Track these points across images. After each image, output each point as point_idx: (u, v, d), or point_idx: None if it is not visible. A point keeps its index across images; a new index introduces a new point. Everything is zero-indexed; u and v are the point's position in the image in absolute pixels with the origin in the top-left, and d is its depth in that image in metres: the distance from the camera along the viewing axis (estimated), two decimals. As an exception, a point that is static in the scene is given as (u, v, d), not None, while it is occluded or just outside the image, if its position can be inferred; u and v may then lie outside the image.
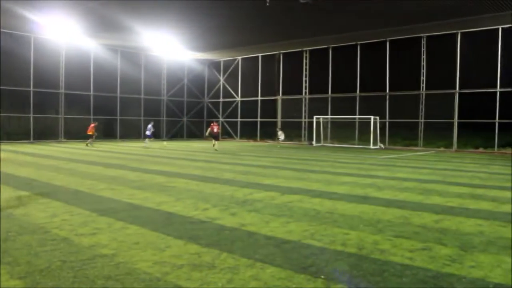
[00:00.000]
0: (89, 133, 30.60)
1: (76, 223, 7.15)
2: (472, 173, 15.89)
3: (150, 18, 27.28)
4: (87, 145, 29.86)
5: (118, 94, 39.33)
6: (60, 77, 35.36)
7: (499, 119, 28.87)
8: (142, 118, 41.31)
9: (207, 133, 29.79)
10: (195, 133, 46.33)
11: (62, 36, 33.52)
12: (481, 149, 29.85)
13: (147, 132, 31.31)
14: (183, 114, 45.49)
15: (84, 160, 19.20)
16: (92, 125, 31.11)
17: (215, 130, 28.00)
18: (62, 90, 35.51)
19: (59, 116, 35.58)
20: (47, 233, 6.48)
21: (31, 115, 33.82)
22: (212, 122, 30.62)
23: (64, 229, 6.74)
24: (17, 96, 33.42)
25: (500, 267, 5.17)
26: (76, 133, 36.85)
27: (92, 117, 37.51)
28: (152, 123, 31.65)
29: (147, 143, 31.03)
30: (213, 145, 27.58)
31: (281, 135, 34.23)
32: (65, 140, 35.35)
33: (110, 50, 38.18)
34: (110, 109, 38.99)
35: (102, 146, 30.64)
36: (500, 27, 28.41)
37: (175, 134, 44.40)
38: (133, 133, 41.01)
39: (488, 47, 29.26)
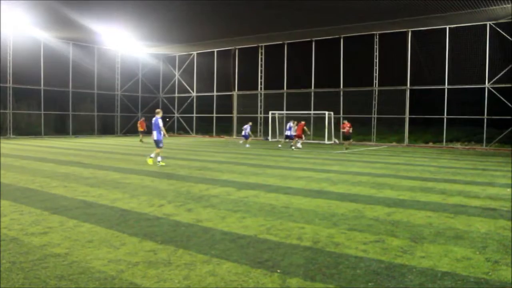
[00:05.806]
0: (141, 129, 32.21)
1: (26, 222, 6.92)
2: (423, 167, 16.46)
3: (103, 10, 26.57)
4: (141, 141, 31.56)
5: (70, 89, 38.16)
6: (7, 70, 33.95)
7: (447, 115, 30.03)
8: (95, 113, 40.37)
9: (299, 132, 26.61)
10: (150, 129, 45.57)
11: (9, 27, 32.14)
12: (430, 144, 30.94)
13: (243, 132, 29.17)
14: (138, 109, 44.68)
15: (35, 157, 18.56)
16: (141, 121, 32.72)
17: (346, 129, 26.04)
18: (9, 84, 34.11)
19: (7, 111, 34.19)
20: (-5, 233, 6.25)
21: (-23, 110, 32.34)
22: (344, 121, 27.15)
23: (13, 229, 6.51)
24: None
25: (448, 257, 5.40)
26: (25, 129, 35.58)
27: (43, 112, 36.30)
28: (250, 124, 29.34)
29: (248, 146, 28.57)
30: (345, 148, 26.66)
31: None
32: (14, 137, 34.02)
33: (62, 43, 36.97)
34: (62, 104, 37.79)
35: (53, 142, 29.70)
36: (447, 27, 29.54)
37: (129, 130, 43.57)
38: (86, 129, 39.96)
39: (436, 45, 30.43)
